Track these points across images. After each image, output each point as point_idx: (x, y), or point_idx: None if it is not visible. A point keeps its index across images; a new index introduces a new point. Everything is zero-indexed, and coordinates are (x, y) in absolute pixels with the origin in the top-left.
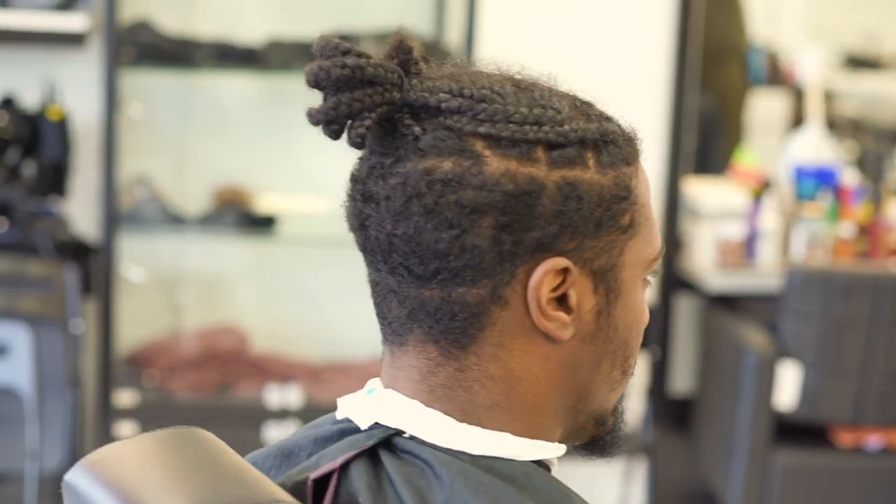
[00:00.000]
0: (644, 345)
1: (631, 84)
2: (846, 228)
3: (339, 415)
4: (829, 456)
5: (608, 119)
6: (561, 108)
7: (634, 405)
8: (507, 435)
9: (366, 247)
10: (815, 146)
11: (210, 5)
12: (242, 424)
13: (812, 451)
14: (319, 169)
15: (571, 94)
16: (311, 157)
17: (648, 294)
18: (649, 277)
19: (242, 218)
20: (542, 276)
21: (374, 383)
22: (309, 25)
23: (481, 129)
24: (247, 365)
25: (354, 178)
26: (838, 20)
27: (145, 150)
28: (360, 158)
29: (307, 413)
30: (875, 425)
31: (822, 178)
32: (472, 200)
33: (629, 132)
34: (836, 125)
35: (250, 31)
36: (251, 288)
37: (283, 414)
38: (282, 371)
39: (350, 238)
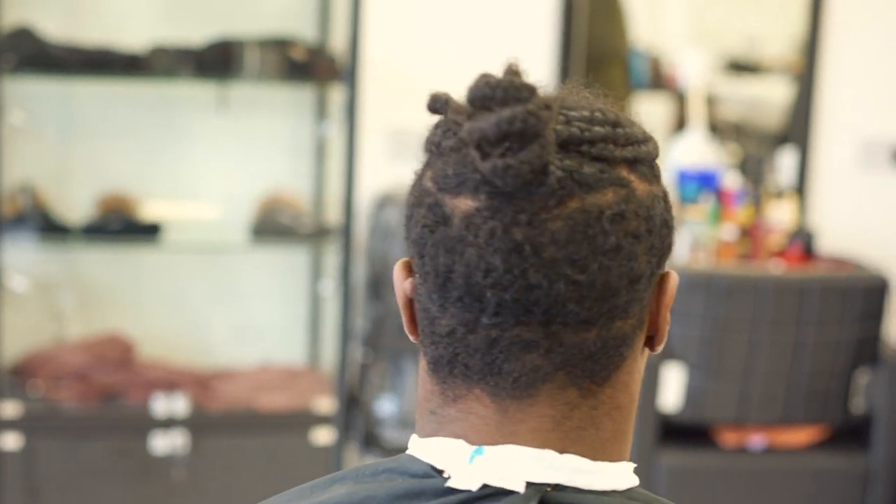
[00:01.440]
0: None
1: None
2: (728, 231)
3: (473, 484)
4: (714, 456)
5: None
6: None
7: None
8: (625, 463)
9: (518, 301)
10: (697, 150)
11: (92, 12)
12: (129, 434)
13: (697, 452)
14: (203, 176)
15: None
16: (194, 165)
17: None
18: None
19: (127, 225)
20: (672, 289)
21: (463, 447)
22: (192, 31)
23: (626, 154)
24: (132, 374)
25: (504, 230)
26: (720, 25)
27: (28, 158)
28: (485, 208)
29: (194, 422)
30: (758, 425)
31: (705, 182)
32: (637, 229)
33: None
34: (718, 129)
35: (133, 37)
36: (136, 296)
37: (169, 423)
38: (168, 380)
39: (237, 244)
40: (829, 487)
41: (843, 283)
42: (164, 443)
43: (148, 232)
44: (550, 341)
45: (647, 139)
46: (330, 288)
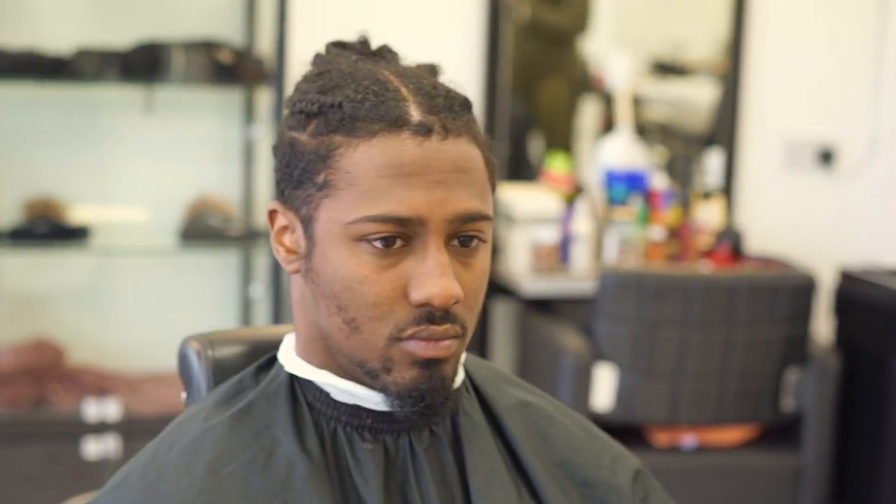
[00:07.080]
0: None
1: None
2: (656, 231)
3: None
4: (647, 455)
5: (349, 98)
6: (309, 88)
7: None
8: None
9: None
10: (625, 151)
11: (16, 14)
12: (60, 439)
13: (630, 452)
14: (131, 179)
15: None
16: (121, 168)
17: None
18: (376, 244)
19: (54, 230)
20: (268, 214)
21: None
22: (118, 34)
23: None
24: (63, 379)
25: None
26: (646, 29)
27: None
28: None
29: (125, 426)
30: (688, 424)
31: (633, 183)
32: None
33: (361, 114)
34: (645, 130)
35: (58, 40)
36: (66, 301)
37: (101, 427)
38: (99, 384)
39: (166, 248)
40: (761, 485)
41: (771, 283)
42: (97, 448)
43: (75, 236)
44: None
45: (293, 98)
46: (260, 291)
